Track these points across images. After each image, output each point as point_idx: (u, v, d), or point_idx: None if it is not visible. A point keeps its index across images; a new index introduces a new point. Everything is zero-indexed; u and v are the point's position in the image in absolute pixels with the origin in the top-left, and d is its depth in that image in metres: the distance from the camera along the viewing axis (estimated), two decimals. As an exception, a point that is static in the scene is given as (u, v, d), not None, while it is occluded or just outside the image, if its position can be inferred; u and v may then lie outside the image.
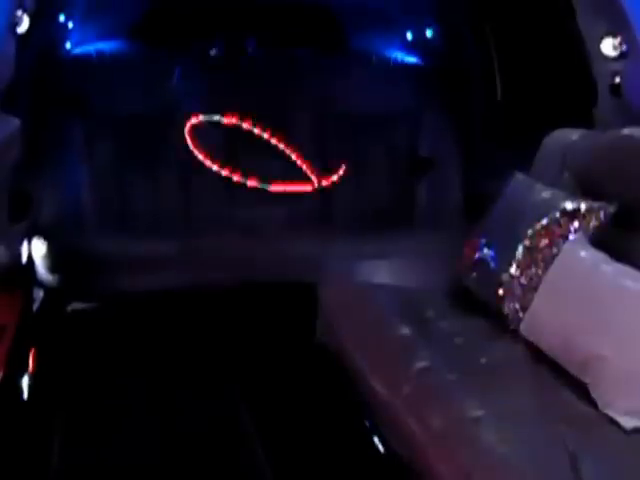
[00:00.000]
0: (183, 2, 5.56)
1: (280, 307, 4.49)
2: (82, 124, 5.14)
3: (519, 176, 3.61)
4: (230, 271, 4.53)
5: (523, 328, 3.14)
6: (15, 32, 3.83)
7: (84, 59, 5.32)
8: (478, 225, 3.60)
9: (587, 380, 2.73)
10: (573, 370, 2.80)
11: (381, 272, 4.47)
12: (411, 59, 5.69)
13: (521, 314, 3.16)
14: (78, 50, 5.40)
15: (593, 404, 2.67)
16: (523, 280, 3.18)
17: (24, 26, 3.90)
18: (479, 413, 2.61)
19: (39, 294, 4.40)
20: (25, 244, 4.25)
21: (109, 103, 5.21)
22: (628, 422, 2.55)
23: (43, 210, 4.67)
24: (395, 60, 5.62)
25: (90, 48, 5.40)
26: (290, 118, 5.37)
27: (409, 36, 5.80)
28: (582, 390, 2.73)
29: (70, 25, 5.24)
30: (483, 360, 3.02)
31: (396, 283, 4.14)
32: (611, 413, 2.59)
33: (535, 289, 3.12)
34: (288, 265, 4.55)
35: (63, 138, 5.05)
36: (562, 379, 2.83)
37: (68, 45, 5.35)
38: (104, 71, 5.28)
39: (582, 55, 4.20)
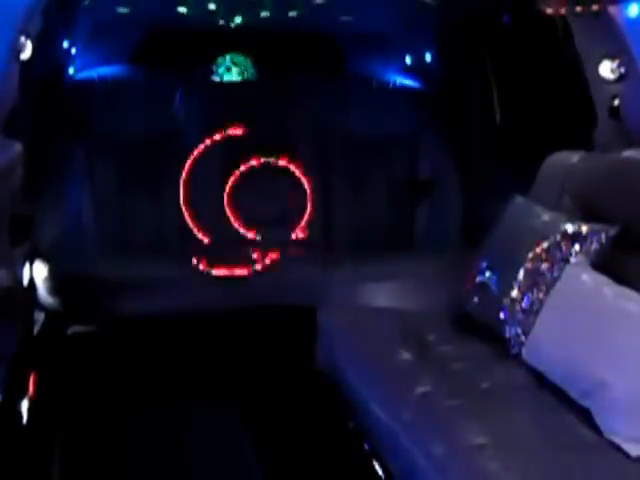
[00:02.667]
0: (184, 27, 5.52)
1: (280, 331, 4.41)
2: (84, 148, 5.10)
3: (519, 199, 3.56)
4: (230, 295, 4.45)
5: (525, 353, 3.07)
6: (18, 58, 3.78)
7: (87, 84, 5.30)
8: (478, 248, 3.54)
9: (590, 406, 2.66)
10: (576, 395, 2.74)
11: (381, 295, 4.39)
12: (410, 83, 5.66)
13: (523, 338, 3.09)
14: (81, 75, 5.37)
15: (597, 430, 2.60)
16: (524, 304, 3.12)
17: (27, 52, 3.86)
18: (481, 440, 2.55)
19: (40, 317, 4.33)
20: (26, 267, 4.18)
21: (111, 127, 5.18)
22: (633, 449, 2.47)
23: (44, 233, 4.61)
24: (394, 84, 5.59)
25: (93, 73, 5.37)
26: (290, 142, 5.31)
27: (408, 60, 5.76)
28: (586, 416, 2.67)
29: (73, 51, 5.20)
30: (485, 385, 2.95)
31: (396, 306, 4.08)
32: (616, 440, 2.52)
33: (537, 313, 3.06)
34: (288, 289, 4.48)
35: (65, 162, 5.01)
36: (565, 404, 2.76)
37: (71, 70, 5.32)
38: (106, 96, 5.25)
39: (581, 78, 4.15)
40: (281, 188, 5.26)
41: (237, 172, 5.23)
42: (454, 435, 2.60)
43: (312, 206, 5.27)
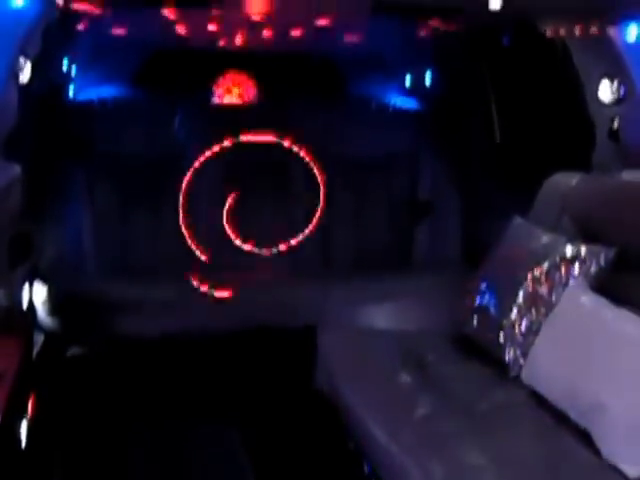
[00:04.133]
0: (184, 48, 5.56)
1: (279, 352, 4.43)
2: (84, 169, 5.13)
3: (518, 220, 3.60)
4: (230, 316, 4.47)
5: (524, 374, 3.10)
6: (17, 79, 3.81)
7: (86, 105, 5.33)
8: (478, 269, 3.57)
9: (589, 427, 2.68)
10: (575, 417, 2.76)
11: (381, 316, 4.41)
12: (410, 104, 5.70)
13: (522, 360, 3.13)
14: (81, 96, 5.40)
15: (596, 451, 2.62)
16: (524, 326, 3.16)
17: (26, 73, 3.89)
18: (481, 461, 2.57)
19: (39, 338, 4.33)
20: (26, 288, 4.21)
21: (111, 148, 5.20)
22: (632, 471, 2.50)
23: (44, 254, 4.63)
24: (394, 105, 5.63)
25: (92, 94, 5.40)
26: (289, 164, 5.34)
27: (408, 81, 5.80)
28: (584, 437, 2.69)
29: (73, 71, 5.24)
30: (484, 407, 2.97)
31: (396, 327, 4.11)
32: (615, 461, 2.54)
33: (536, 335, 3.09)
34: (288, 310, 4.50)
35: (65, 183, 5.03)
36: (564, 426, 2.79)
37: (71, 91, 5.35)
38: (106, 117, 5.28)
39: (580, 99, 4.18)
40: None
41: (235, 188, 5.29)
42: (454, 456, 2.63)
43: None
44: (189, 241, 5.18)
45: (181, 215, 5.19)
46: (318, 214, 5.33)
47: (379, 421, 2.98)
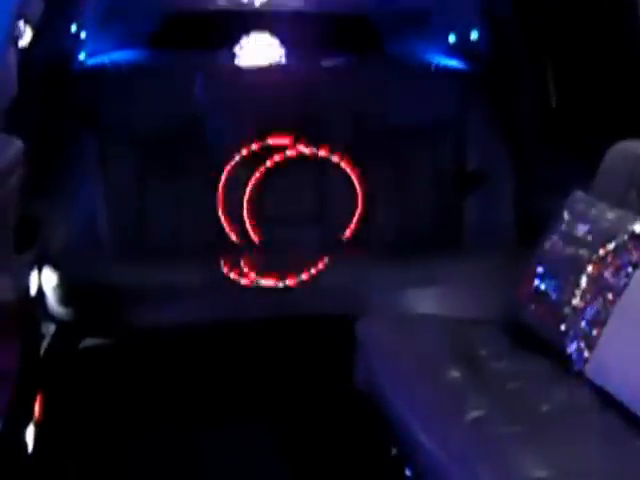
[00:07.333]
0: (204, 6, 5.46)
1: (314, 344, 4.33)
2: (96, 141, 5.02)
3: (579, 194, 3.46)
4: (259, 305, 4.36)
5: (589, 369, 2.98)
6: (16, 45, 3.72)
7: (98, 70, 5.26)
8: (534, 248, 3.45)
9: (666, 431, 2.55)
10: (649, 419, 2.63)
11: (427, 301, 4.30)
12: (455, 64, 5.58)
13: (586, 353, 3.00)
14: (92, 61, 5.34)
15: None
16: (588, 314, 3.03)
17: (26, 38, 3.80)
18: (541, 472, 2.44)
19: (49, 329, 4.28)
20: (34, 274, 4.13)
21: (125, 117, 5.11)
22: None
23: (53, 237, 4.52)
24: (437, 65, 5.51)
25: (105, 58, 5.33)
26: (324, 131, 5.24)
27: (452, 39, 5.69)
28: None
29: (83, 35, 5.15)
30: (545, 408, 2.86)
31: (444, 313, 3.99)
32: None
33: (602, 325, 2.97)
34: (323, 296, 4.37)
35: (75, 157, 4.94)
36: (636, 429, 2.67)
37: (82, 56, 5.27)
38: (119, 82, 5.19)
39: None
40: (323, 181, 5.19)
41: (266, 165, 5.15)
42: (509, 466, 2.51)
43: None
44: (221, 219, 5.05)
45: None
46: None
47: (426, 424, 2.86)
